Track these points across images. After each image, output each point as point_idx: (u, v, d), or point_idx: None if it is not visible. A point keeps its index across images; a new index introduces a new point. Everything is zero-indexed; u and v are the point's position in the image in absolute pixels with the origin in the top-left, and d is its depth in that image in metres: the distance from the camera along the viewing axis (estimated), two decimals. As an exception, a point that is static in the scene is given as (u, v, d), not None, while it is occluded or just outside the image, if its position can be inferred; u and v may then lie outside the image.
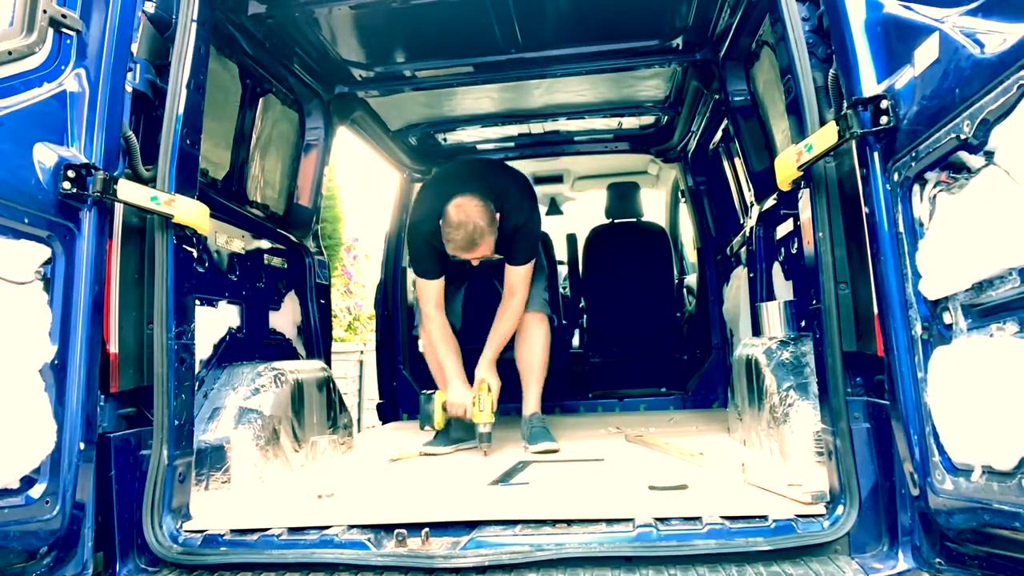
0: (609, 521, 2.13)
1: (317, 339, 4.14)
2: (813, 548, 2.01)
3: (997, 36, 1.52)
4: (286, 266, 3.97)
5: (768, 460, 2.87)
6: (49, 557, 1.99)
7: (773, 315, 3.71)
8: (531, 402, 3.73)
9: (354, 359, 9.47)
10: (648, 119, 5.23)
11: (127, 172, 2.29)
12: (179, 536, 2.22)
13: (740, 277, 4.59)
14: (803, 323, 3.30)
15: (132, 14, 2.33)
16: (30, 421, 1.92)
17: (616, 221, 6.00)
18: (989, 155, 1.53)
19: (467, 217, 3.29)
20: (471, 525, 2.16)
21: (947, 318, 1.72)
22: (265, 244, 3.76)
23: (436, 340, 3.67)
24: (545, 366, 3.78)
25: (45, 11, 2.04)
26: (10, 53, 1.98)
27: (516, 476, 2.89)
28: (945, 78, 1.67)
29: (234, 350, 3.30)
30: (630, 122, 5.27)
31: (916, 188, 1.81)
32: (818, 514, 2.07)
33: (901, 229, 1.86)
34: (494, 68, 4.03)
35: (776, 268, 3.78)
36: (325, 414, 3.58)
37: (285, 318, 3.91)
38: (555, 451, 3.38)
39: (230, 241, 3.39)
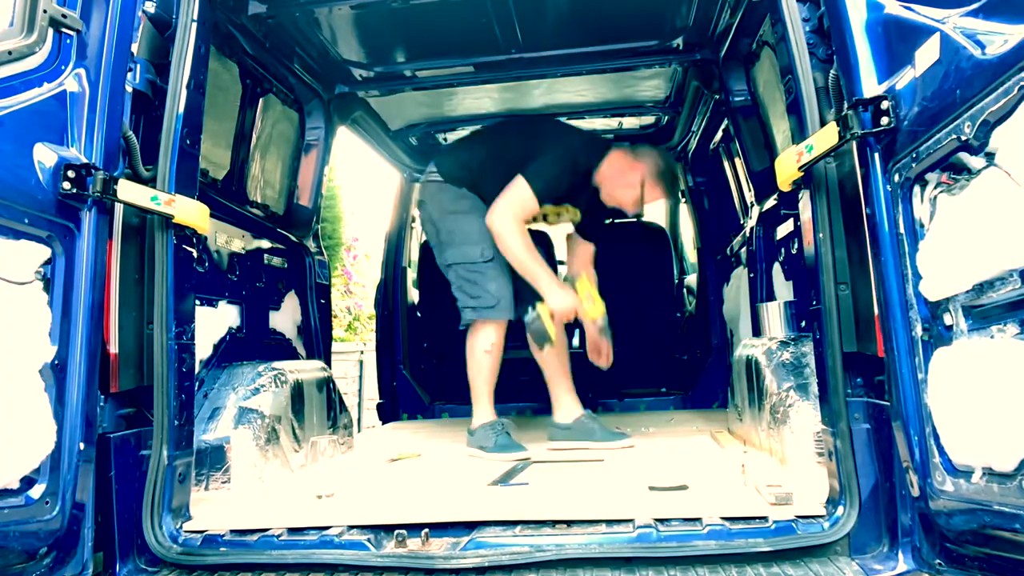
0: (609, 522, 2.13)
1: (317, 339, 4.14)
2: (813, 549, 2.01)
3: (998, 37, 1.52)
4: (286, 266, 3.97)
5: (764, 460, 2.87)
6: (49, 557, 1.99)
7: (773, 315, 3.72)
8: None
9: (354, 359, 9.48)
10: (648, 119, 5.23)
11: (127, 172, 2.29)
12: (179, 536, 2.21)
13: (740, 277, 4.59)
14: (803, 323, 3.30)
15: (132, 14, 2.32)
16: (30, 421, 1.92)
17: (616, 221, 5.99)
18: (990, 156, 1.53)
19: None
20: (471, 526, 2.16)
21: (947, 319, 1.72)
22: (265, 244, 3.76)
23: (527, 248, 3.30)
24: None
25: (45, 11, 2.03)
26: (10, 53, 1.98)
27: (516, 476, 2.89)
28: (946, 79, 1.66)
29: (234, 350, 3.30)
30: (630, 122, 5.26)
31: (917, 189, 1.81)
32: (818, 515, 2.07)
33: (901, 230, 1.86)
34: (494, 68, 4.03)
35: (776, 268, 3.78)
36: (325, 414, 3.58)
37: (285, 318, 3.91)
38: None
39: (230, 241, 3.39)
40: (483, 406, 3.46)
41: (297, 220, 4.17)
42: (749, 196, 4.31)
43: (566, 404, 3.60)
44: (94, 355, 2.12)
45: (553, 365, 3.62)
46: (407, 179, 5.60)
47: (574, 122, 5.15)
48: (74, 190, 2.05)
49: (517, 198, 3.29)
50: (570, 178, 3.41)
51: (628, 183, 3.47)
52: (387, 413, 5.31)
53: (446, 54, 3.91)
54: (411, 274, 5.63)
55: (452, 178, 3.48)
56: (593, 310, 3.37)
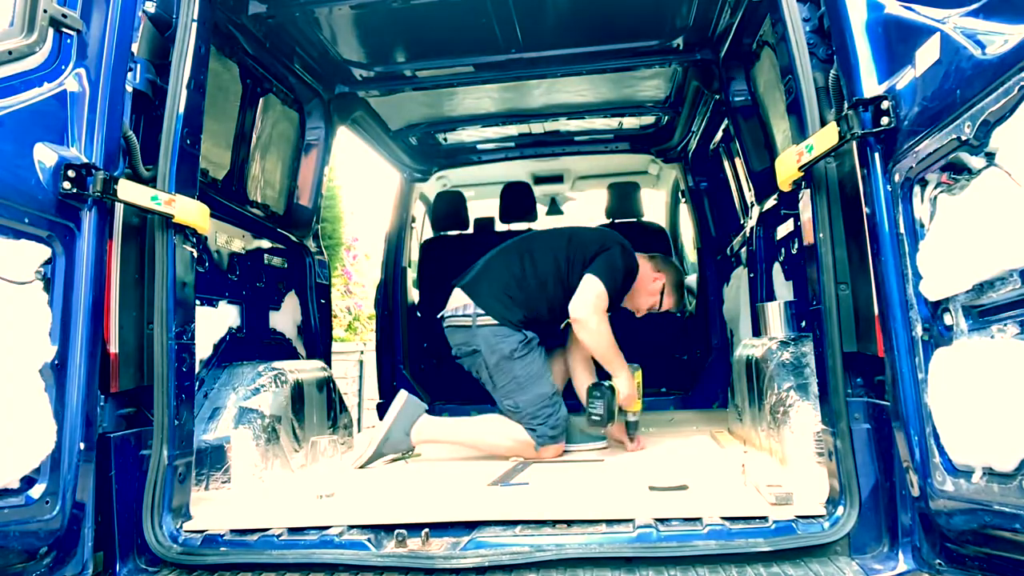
0: (609, 522, 2.13)
1: (317, 339, 4.14)
2: (813, 549, 2.01)
3: (998, 37, 1.52)
4: (286, 266, 3.97)
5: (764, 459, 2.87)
6: (49, 557, 1.99)
7: (773, 315, 3.71)
8: None
9: (354, 359, 9.49)
10: (648, 119, 5.23)
11: (127, 172, 2.29)
12: (179, 536, 2.21)
13: (740, 277, 4.59)
14: (803, 323, 3.30)
15: (132, 14, 2.32)
16: (30, 421, 1.92)
17: (616, 221, 6.00)
18: (990, 156, 1.53)
19: None
20: (471, 525, 2.16)
21: (948, 319, 1.72)
22: (265, 244, 3.76)
23: (612, 339, 3.40)
24: None
25: (45, 11, 2.03)
26: (10, 53, 1.98)
27: (516, 476, 2.89)
28: (946, 79, 1.66)
29: (234, 350, 3.30)
30: (630, 122, 5.27)
31: (917, 189, 1.81)
32: (818, 515, 2.07)
33: (902, 230, 1.86)
34: (494, 68, 4.03)
35: (776, 268, 3.78)
36: (325, 414, 3.58)
37: (285, 318, 3.91)
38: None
39: (230, 241, 3.39)
40: None
41: (297, 220, 4.17)
42: (749, 196, 4.31)
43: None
44: (94, 355, 2.12)
45: (584, 376, 3.74)
46: (407, 179, 5.60)
47: (574, 122, 5.16)
48: (74, 190, 2.05)
49: (595, 293, 3.36)
50: (629, 277, 3.52)
51: (651, 291, 3.67)
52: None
53: (446, 54, 3.91)
54: (411, 274, 5.63)
55: (508, 320, 3.41)
56: (638, 404, 3.54)
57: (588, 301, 3.35)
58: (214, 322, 3.20)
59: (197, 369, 2.72)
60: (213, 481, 2.72)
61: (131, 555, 2.21)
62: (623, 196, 6.00)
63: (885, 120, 1.87)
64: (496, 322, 3.41)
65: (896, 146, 1.86)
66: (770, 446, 2.94)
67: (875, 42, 1.98)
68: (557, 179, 6.46)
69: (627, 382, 3.45)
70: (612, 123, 5.25)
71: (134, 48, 2.34)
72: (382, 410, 5.37)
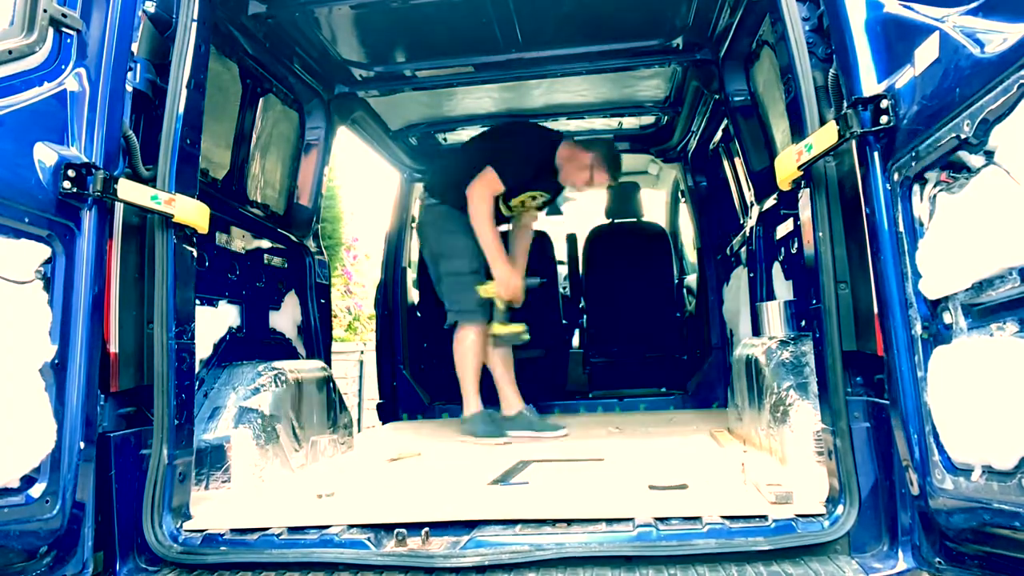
0: (609, 521, 2.13)
1: (317, 339, 4.14)
2: (813, 548, 2.01)
3: (997, 36, 1.52)
4: (286, 266, 3.98)
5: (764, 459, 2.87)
6: (49, 557, 1.99)
7: (773, 315, 3.72)
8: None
9: (354, 359, 9.48)
10: (648, 119, 5.24)
11: (127, 172, 2.29)
12: (179, 535, 2.21)
13: (740, 277, 4.59)
14: (803, 323, 3.31)
15: (132, 13, 2.32)
16: (30, 421, 1.92)
17: (616, 221, 6.00)
18: (989, 155, 1.53)
19: None
20: (471, 525, 2.16)
21: (947, 318, 1.72)
22: (265, 244, 3.76)
23: (489, 218, 3.94)
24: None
25: (45, 10, 2.04)
26: (10, 52, 1.98)
27: (516, 476, 2.89)
28: (945, 78, 1.67)
29: (234, 350, 3.30)
30: (630, 122, 5.27)
31: (916, 188, 1.81)
32: (818, 514, 2.07)
33: (901, 228, 1.86)
34: (494, 68, 4.03)
35: (776, 268, 3.78)
36: (325, 414, 3.58)
37: (285, 318, 3.91)
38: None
39: (230, 241, 3.39)
40: (471, 398, 4.02)
41: (297, 220, 4.17)
42: (749, 196, 4.32)
43: (510, 398, 4.11)
44: (94, 354, 2.12)
45: (500, 367, 4.14)
46: (407, 179, 5.60)
47: (574, 122, 5.16)
48: (74, 189, 2.05)
49: (487, 179, 3.92)
50: (533, 166, 4.05)
51: (579, 166, 4.11)
52: (387, 413, 5.31)
53: (446, 54, 3.92)
54: (411, 274, 5.63)
55: (450, 201, 4.04)
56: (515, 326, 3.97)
57: (477, 186, 3.91)
58: (214, 322, 3.21)
59: (197, 369, 2.72)
60: (213, 481, 2.72)
61: (131, 554, 2.21)
62: (623, 196, 6.00)
63: (884, 119, 1.87)
64: (439, 202, 4.13)
65: (895, 145, 1.86)
66: (770, 445, 2.94)
67: (874, 41, 1.98)
68: None
69: (502, 270, 3.87)
70: (612, 123, 5.26)
71: (134, 48, 2.34)
72: (382, 410, 5.38)
